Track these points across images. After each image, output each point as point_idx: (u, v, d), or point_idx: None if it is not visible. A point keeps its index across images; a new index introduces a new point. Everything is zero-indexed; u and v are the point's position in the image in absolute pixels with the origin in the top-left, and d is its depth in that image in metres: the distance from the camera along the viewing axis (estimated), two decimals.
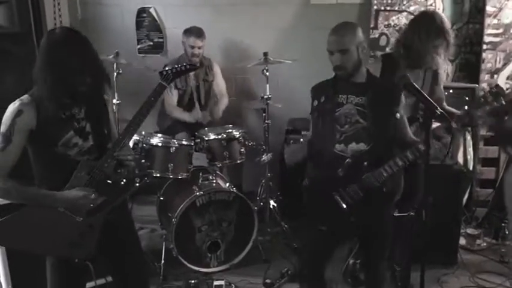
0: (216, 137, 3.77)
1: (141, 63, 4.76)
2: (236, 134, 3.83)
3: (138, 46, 4.92)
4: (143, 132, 3.60)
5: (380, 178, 2.41)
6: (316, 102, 2.53)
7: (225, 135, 3.78)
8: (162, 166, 3.55)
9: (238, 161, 3.84)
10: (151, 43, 4.89)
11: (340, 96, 2.50)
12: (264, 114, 3.96)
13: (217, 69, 4.54)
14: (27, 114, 2.11)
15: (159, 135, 3.74)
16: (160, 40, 4.92)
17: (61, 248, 2.21)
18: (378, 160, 2.40)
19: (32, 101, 2.13)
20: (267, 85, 4.00)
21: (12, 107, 2.12)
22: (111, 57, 3.90)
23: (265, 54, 4.02)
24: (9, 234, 2.17)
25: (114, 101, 3.94)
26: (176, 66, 2.39)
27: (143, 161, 3.49)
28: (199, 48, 4.25)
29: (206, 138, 3.78)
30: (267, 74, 4.02)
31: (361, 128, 2.46)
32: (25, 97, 2.15)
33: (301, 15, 4.65)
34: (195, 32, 4.25)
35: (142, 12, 4.90)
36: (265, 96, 3.97)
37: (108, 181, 2.25)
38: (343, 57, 2.42)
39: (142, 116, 2.28)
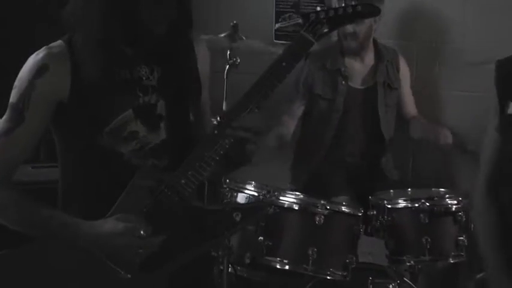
0: (409, 206, 2.48)
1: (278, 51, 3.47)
2: (451, 204, 2.46)
3: (277, 25, 3.62)
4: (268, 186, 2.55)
5: None
6: None
7: (427, 205, 2.42)
8: (295, 251, 2.44)
9: (452, 261, 2.45)
10: (301, 21, 3.55)
11: None
12: None
13: (405, 70, 3.16)
14: (54, 74, 1.40)
15: (297, 193, 2.61)
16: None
17: None
18: None
19: (67, 51, 1.42)
20: None
21: (32, 60, 1.43)
22: (223, 35, 2.75)
23: None
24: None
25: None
26: (337, 6, 1.64)
27: (261, 238, 2.44)
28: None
29: (389, 206, 2.49)
30: None
31: None
32: (57, 44, 1.45)
33: None
34: None
35: None
36: None
37: (185, 210, 1.50)
38: None
39: (266, 88, 1.44)
